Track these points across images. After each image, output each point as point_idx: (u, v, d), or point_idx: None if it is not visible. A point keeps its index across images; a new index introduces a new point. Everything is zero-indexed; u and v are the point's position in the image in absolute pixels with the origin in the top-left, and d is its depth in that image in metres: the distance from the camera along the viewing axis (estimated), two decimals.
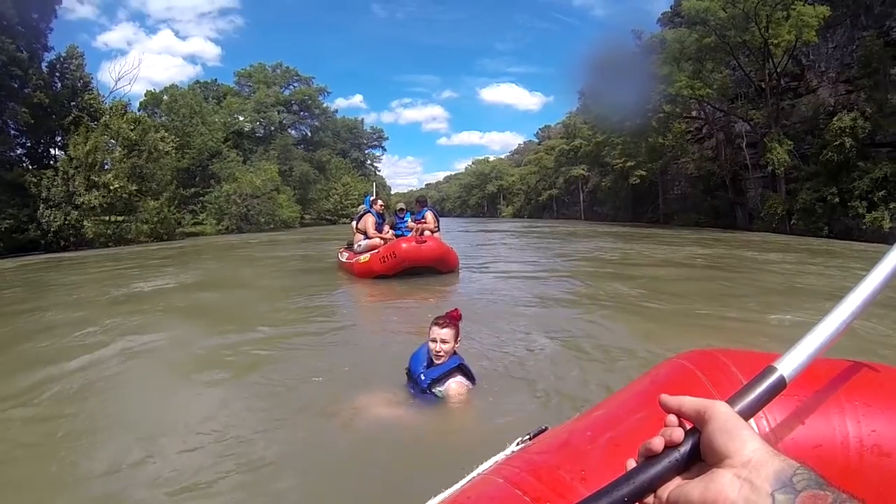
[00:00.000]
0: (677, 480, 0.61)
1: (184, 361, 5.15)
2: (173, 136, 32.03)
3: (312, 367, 4.75)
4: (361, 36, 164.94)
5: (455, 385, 3.58)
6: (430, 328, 3.60)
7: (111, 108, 27.91)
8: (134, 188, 25.32)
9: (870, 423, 1.01)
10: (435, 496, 1.19)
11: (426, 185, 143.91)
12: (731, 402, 0.66)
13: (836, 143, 22.21)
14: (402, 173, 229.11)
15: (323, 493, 2.80)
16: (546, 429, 1.34)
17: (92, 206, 23.44)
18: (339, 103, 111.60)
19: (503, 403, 3.71)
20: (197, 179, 35.38)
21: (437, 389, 3.57)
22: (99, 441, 3.34)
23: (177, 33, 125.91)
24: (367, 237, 10.60)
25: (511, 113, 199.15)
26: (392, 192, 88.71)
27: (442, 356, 3.57)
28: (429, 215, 10.95)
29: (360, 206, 12.10)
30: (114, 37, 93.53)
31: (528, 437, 1.31)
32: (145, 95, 38.10)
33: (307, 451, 3.25)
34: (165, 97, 36.98)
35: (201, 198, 34.53)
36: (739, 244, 19.41)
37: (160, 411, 3.89)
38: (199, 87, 48.13)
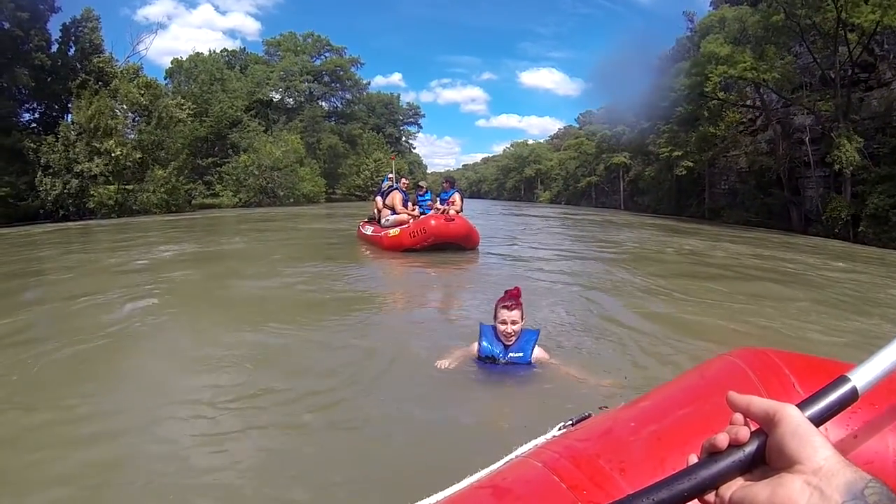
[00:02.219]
0: (740, 481, 0.61)
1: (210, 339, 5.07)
2: (190, 103, 30.62)
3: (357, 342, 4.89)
4: (403, 15, 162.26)
5: (538, 350, 3.78)
6: (496, 310, 3.66)
7: (122, 73, 26.43)
8: (138, 156, 23.73)
9: None
10: (471, 475, 1.18)
11: (463, 165, 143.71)
12: (801, 407, 0.64)
13: None
14: (439, 153, 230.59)
15: (365, 468, 2.79)
16: (589, 415, 1.33)
17: (93, 174, 22.04)
18: (378, 81, 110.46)
19: (549, 385, 3.67)
20: (216, 149, 33.79)
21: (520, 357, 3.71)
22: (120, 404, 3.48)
23: (217, 8, 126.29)
24: (394, 212, 11.47)
25: (550, 98, 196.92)
26: (429, 171, 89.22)
27: (513, 337, 3.67)
28: (456, 196, 11.74)
29: (385, 184, 12.78)
30: (154, 11, 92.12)
31: (570, 422, 1.30)
32: (172, 63, 36.76)
33: (348, 428, 3.22)
34: (188, 65, 35.51)
35: (219, 168, 32.80)
36: (798, 248, 17.39)
37: (182, 387, 3.89)
38: (227, 55, 46.49)
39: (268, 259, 11.03)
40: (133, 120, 26.10)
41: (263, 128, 36.71)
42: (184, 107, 29.75)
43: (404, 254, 10.40)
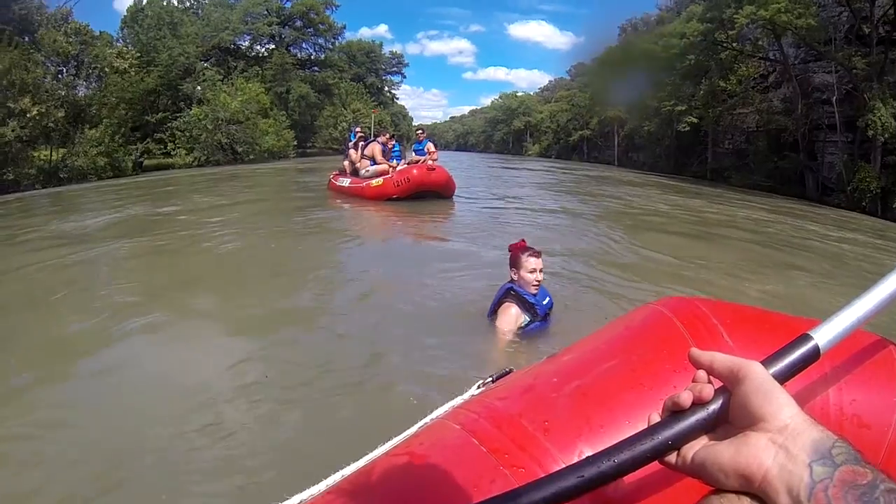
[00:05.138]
0: (703, 440, 0.61)
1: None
2: (134, 52, 26.84)
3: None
4: None
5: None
6: (521, 261, 3.68)
7: (47, 20, 22.51)
8: (61, 115, 20.05)
9: (851, 392, 0.99)
10: (386, 441, 1.14)
11: (451, 118, 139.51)
12: (766, 364, 0.64)
13: None
14: (426, 105, 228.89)
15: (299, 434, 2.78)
16: (511, 371, 1.28)
17: (7, 140, 18.53)
18: (364, 33, 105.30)
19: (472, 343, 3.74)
20: (169, 103, 29.86)
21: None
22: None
23: None
24: (374, 163, 11.83)
25: (539, 51, 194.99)
26: (415, 123, 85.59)
27: (538, 284, 3.74)
28: (430, 145, 12.48)
29: (360, 134, 13.59)
30: None
31: (490, 379, 1.25)
32: (127, 11, 32.26)
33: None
34: (133, 8, 31.07)
35: (169, 124, 28.95)
36: (825, 220, 15.86)
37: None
38: None
39: (230, 218, 10.14)
40: (63, 74, 22.39)
41: (221, 77, 32.42)
42: (126, 56, 25.91)
43: (389, 203, 10.87)
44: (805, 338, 0.69)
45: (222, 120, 29.19)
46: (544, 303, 3.79)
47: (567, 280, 5.61)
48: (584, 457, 0.66)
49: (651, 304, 1.25)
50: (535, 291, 3.71)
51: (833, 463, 0.50)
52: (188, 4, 40.51)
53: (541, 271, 3.68)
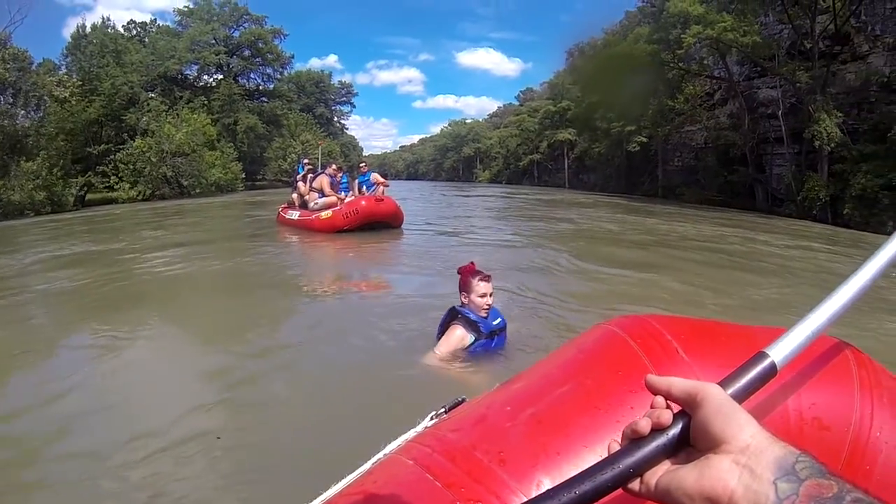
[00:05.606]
0: (666, 465, 0.60)
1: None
2: (75, 80, 25.67)
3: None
4: None
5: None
6: (471, 285, 3.65)
7: None
8: None
9: (810, 396, 0.99)
10: (339, 480, 1.10)
11: (400, 147, 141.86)
12: (723, 385, 0.65)
13: None
14: (376, 135, 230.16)
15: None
16: (464, 400, 1.25)
17: None
18: (314, 63, 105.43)
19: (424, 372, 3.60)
20: (112, 134, 28.54)
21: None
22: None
23: None
24: (322, 195, 11.77)
25: (488, 78, 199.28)
26: (366, 154, 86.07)
27: (488, 307, 3.69)
28: (375, 175, 12.60)
29: (307, 166, 13.91)
30: None
31: (443, 409, 1.23)
32: (70, 38, 31.01)
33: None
34: (76, 34, 29.89)
35: (113, 156, 27.63)
36: (777, 229, 16.26)
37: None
38: (133, 26, 40.39)
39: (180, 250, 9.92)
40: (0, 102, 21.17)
41: (167, 107, 31.25)
42: (67, 84, 24.76)
43: (339, 235, 10.75)
44: (761, 356, 0.69)
45: (167, 152, 27.99)
46: (495, 323, 3.76)
47: (520, 303, 5.54)
48: (542, 487, 0.67)
49: (604, 323, 1.22)
50: (486, 315, 3.68)
51: (797, 478, 0.50)
52: (134, 32, 39.40)
53: (491, 295, 3.67)
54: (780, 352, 0.71)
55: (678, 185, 33.43)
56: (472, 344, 3.66)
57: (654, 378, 0.63)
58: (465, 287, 3.69)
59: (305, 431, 2.97)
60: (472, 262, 3.82)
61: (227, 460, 2.68)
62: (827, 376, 1.02)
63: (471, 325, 3.66)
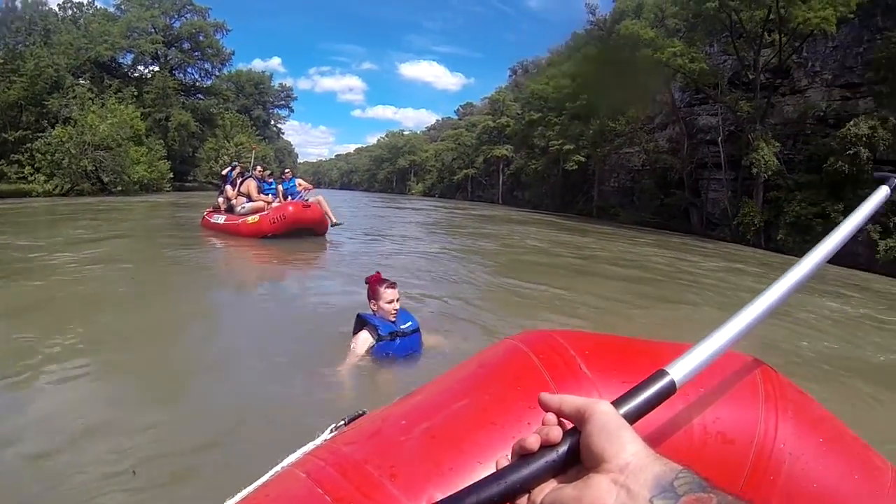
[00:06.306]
0: (553, 483, 0.59)
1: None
2: None
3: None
4: None
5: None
6: (378, 293, 3.81)
7: None
8: None
9: (715, 410, 1.00)
10: (236, 493, 1.03)
11: (336, 155, 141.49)
12: (618, 403, 0.64)
13: (850, 151, 18.20)
14: (313, 142, 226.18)
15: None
16: (364, 413, 1.21)
17: None
18: (257, 64, 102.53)
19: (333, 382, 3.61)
20: (32, 120, 26.07)
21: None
22: None
23: None
24: (249, 200, 11.73)
25: (429, 91, 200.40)
26: (300, 161, 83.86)
27: (395, 312, 3.85)
28: (299, 181, 12.43)
29: (236, 170, 13.22)
30: None
31: (343, 422, 1.18)
32: None
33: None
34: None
35: (29, 144, 25.38)
36: (710, 252, 16.76)
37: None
38: (69, 6, 37.10)
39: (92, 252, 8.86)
40: None
41: (94, 95, 28.92)
42: None
43: (264, 241, 10.60)
44: (661, 374, 0.69)
45: (89, 144, 25.58)
46: (405, 325, 3.90)
47: (435, 316, 5.51)
48: (433, 502, 0.66)
49: (508, 338, 1.21)
50: (394, 319, 3.84)
51: (675, 494, 0.50)
52: (69, 13, 36.50)
53: (398, 300, 3.85)
54: (680, 370, 0.70)
55: (613, 206, 34.35)
56: (376, 345, 3.78)
57: (546, 395, 0.63)
58: (373, 295, 3.87)
59: (206, 448, 2.78)
60: (378, 272, 3.99)
61: (125, 477, 2.45)
62: (732, 391, 1.04)
63: (373, 329, 3.79)
